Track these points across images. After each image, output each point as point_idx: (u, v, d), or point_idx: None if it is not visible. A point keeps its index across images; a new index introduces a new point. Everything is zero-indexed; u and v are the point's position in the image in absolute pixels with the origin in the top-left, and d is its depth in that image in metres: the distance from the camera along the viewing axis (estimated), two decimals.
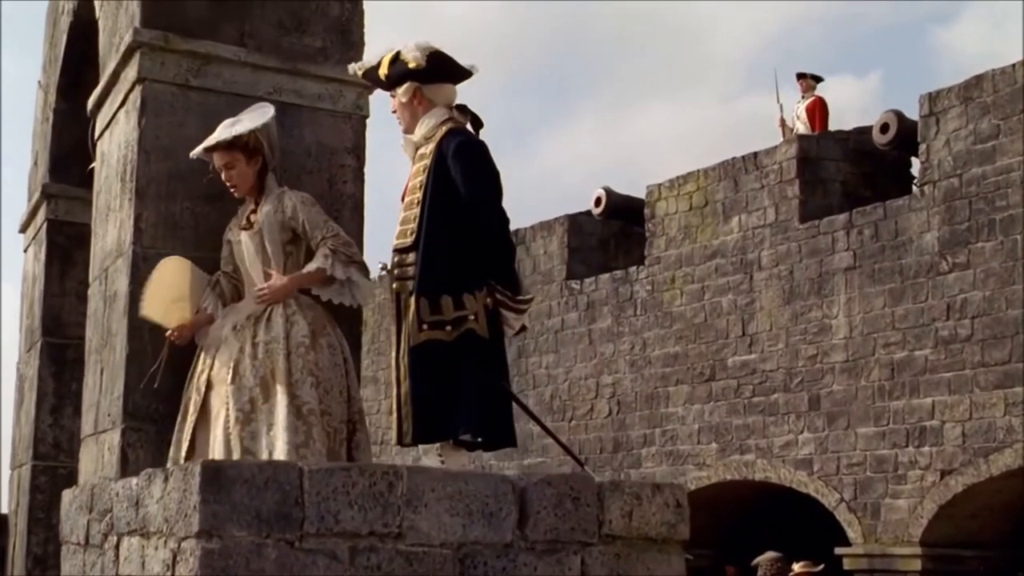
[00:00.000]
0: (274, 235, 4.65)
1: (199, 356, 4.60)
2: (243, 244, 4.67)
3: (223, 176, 4.70)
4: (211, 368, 4.51)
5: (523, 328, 4.39)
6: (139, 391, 4.70)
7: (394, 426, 4.19)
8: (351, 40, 5.38)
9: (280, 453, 4.25)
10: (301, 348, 4.49)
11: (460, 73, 4.44)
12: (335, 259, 4.58)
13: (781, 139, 15.13)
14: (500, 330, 4.26)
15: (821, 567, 11.35)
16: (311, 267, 4.59)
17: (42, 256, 6.90)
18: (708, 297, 14.29)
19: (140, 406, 4.70)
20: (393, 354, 4.28)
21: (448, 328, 4.14)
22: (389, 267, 4.36)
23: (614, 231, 16.66)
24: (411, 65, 4.35)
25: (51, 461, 6.60)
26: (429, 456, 4.25)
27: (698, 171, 14.81)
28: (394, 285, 4.30)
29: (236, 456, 4.29)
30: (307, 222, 4.66)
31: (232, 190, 4.72)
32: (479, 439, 4.23)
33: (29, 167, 7.55)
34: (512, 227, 16.91)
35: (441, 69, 4.39)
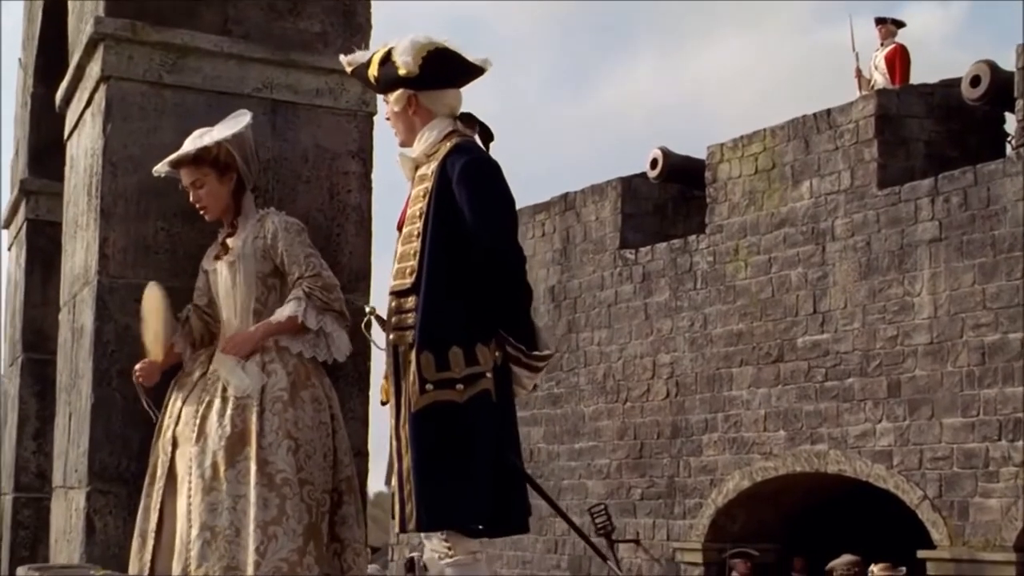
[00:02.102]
0: (251, 265, 4.13)
1: (167, 408, 4.12)
2: (219, 274, 4.16)
3: (191, 196, 4.19)
4: (177, 423, 4.03)
5: (535, 387, 3.85)
6: (107, 447, 4.24)
7: (396, 509, 3.67)
8: (355, 23, 4.82)
9: (248, 532, 3.78)
10: (278, 404, 4.00)
11: (466, 73, 3.85)
12: (308, 304, 4.08)
13: (857, 93, 14.40)
14: (509, 390, 3.71)
15: (903, 571, 10.81)
16: (281, 314, 4.08)
17: (23, 260, 6.46)
18: (775, 270, 13.66)
19: (108, 465, 4.23)
20: (392, 421, 3.75)
21: (459, 387, 3.59)
22: (386, 313, 3.80)
23: (672, 195, 16.04)
24: (401, 72, 3.78)
25: (35, 492, 6.19)
26: (432, 541, 3.73)
27: (764, 130, 14.13)
28: (390, 336, 3.74)
29: (195, 532, 3.82)
30: (286, 254, 4.14)
31: (201, 212, 4.20)
32: (492, 527, 3.71)
33: (11, 156, 7.10)
34: (562, 190, 15.89)
35: (441, 72, 3.80)
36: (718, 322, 14.23)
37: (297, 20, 4.73)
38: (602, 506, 14.75)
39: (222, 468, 3.91)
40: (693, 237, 14.77)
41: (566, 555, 15.77)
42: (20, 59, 6.94)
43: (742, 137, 14.35)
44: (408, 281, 3.71)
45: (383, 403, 3.81)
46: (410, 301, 3.69)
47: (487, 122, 3.88)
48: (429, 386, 3.59)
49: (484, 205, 3.66)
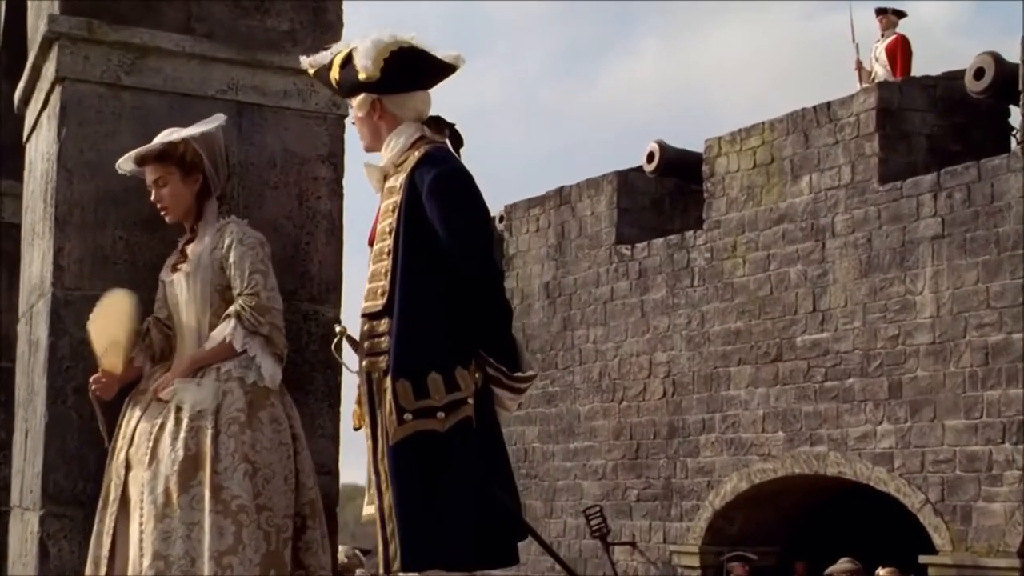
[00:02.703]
0: (208, 276, 3.95)
1: (120, 427, 3.96)
2: (176, 285, 3.99)
3: (152, 195, 4.03)
4: (131, 444, 3.87)
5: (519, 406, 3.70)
6: (62, 468, 4.07)
7: (379, 547, 3.51)
8: (326, 20, 4.65)
9: (203, 561, 3.62)
10: (234, 426, 3.81)
11: (435, 73, 3.67)
12: (238, 325, 3.88)
13: (858, 85, 14.24)
14: (492, 413, 3.54)
15: None
16: (215, 337, 3.90)
17: None
18: (774, 267, 13.51)
19: (63, 488, 4.07)
20: (369, 455, 3.58)
21: (440, 415, 3.42)
22: (358, 335, 3.63)
23: (669, 190, 15.90)
24: (361, 77, 3.60)
25: (1, 506, 6.03)
26: None
27: (763, 123, 13.97)
28: (363, 362, 3.57)
29: (147, 562, 3.66)
30: (233, 267, 3.94)
31: (162, 213, 4.04)
32: (481, 562, 3.54)
33: None
34: (557, 184, 15.75)
35: (406, 74, 3.61)
36: (716, 320, 14.09)
37: (264, 18, 4.56)
38: (597, 508, 14.62)
39: (175, 494, 3.73)
40: (690, 233, 14.62)
41: (562, 556, 15.61)
42: None
43: (740, 131, 14.19)
44: (380, 303, 3.54)
45: (355, 428, 3.66)
46: (383, 324, 3.52)
47: (457, 124, 3.71)
48: (408, 416, 3.42)
49: (456, 221, 3.49)
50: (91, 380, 3.97)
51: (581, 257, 16.00)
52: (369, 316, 3.57)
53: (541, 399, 16.24)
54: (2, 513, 6.00)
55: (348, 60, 3.62)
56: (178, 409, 3.83)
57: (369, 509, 3.56)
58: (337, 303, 4.51)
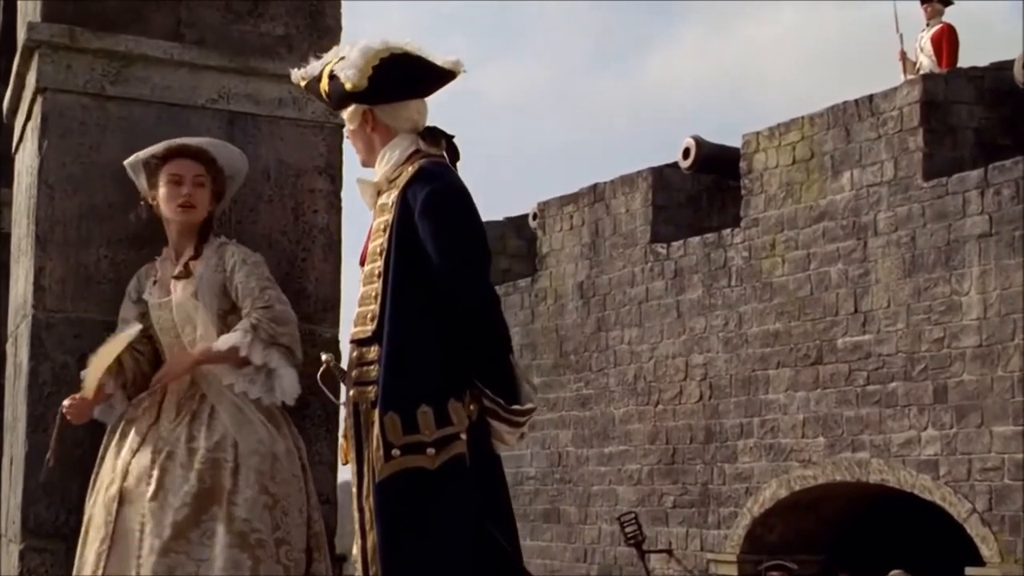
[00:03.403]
0: (210, 298, 3.84)
1: (103, 458, 3.81)
2: (173, 302, 3.83)
3: (184, 191, 3.86)
4: (124, 477, 3.72)
5: (522, 437, 3.50)
6: (43, 500, 3.94)
7: None
8: (323, 24, 4.49)
9: None
10: (254, 457, 3.72)
11: (431, 80, 3.49)
12: (255, 336, 3.77)
13: (902, 77, 13.92)
14: (489, 448, 3.35)
15: None
16: (223, 343, 3.77)
17: None
18: (814, 266, 13.23)
19: (45, 520, 3.94)
20: (354, 490, 3.40)
21: (430, 451, 3.24)
22: (347, 363, 3.46)
23: (705, 186, 15.64)
24: (347, 87, 3.43)
25: None
26: None
27: (802, 118, 13.69)
28: (351, 392, 3.40)
29: None
30: (241, 286, 3.84)
31: (183, 211, 3.88)
32: None
33: None
34: (591, 179, 15.28)
35: (399, 82, 3.43)
36: (754, 321, 13.83)
37: (258, 22, 4.41)
38: (632, 514, 14.43)
39: (186, 528, 3.62)
40: (727, 231, 14.37)
41: (596, 564, 15.45)
42: None
43: (779, 125, 13.92)
44: (369, 328, 3.37)
45: (343, 463, 3.49)
46: (372, 352, 3.34)
47: (454, 134, 3.53)
48: (395, 451, 3.24)
49: (449, 243, 3.31)
50: (64, 404, 3.82)
51: (615, 256, 15.78)
52: (358, 342, 3.40)
53: (575, 402, 16.05)
54: None
55: (331, 75, 3.45)
56: (190, 439, 3.71)
57: (354, 550, 3.40)
58: (335, 322, 4.36)
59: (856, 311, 12.78)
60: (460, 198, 3.39)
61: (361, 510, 3.32)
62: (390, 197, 3.41)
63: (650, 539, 14.50)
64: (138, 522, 3.66)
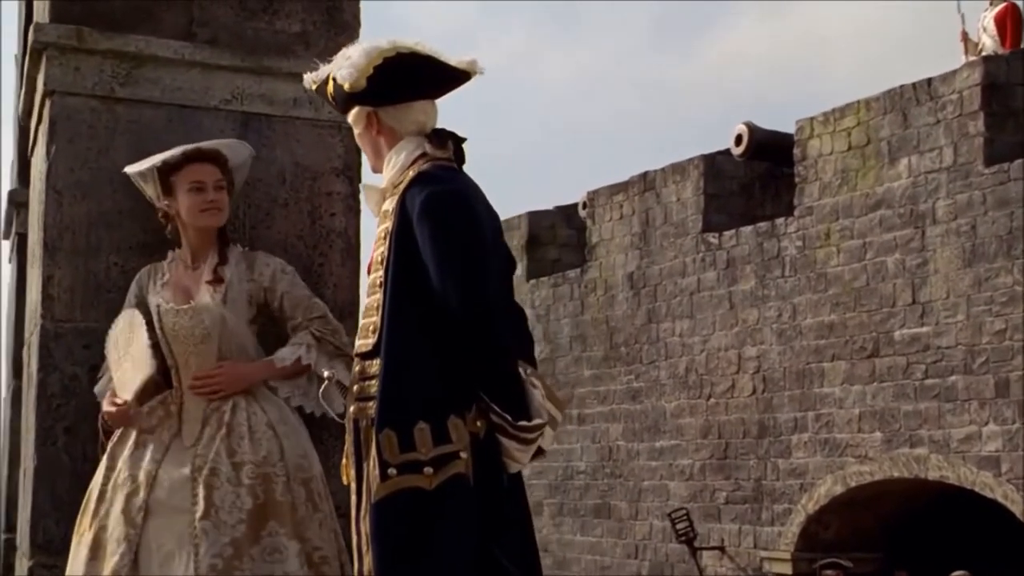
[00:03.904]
0: (241, 305, 3.78)
1: (111, 467, 3.71)
2: (199, 306, 3.74)
3: (208, 196, 3.79)
4: (150, 490, 3.63)
5: (540, 453, 3.36)
6: (52, 515, 3.88)
7: None
8: (340, 21, 4.39)
9: None
10: (300, 472, 3.67)
11: (441, 81, 3.37)
12: (319, 350, 3.76)
13: (963, 59, 13.60)
14: (496, 468, 3.22)
15: None
16: (286, 356, 3.72)
17: (13, 278, 6.16)
18: (870, 256, 12.98)
19: (54, 536, 3.87)
20: (352, 512, 3.30)
21: (427, 470, 3.12)
22: (350, 379, 3.36)
23: (758, 174, 15.40)
24: (345, 88, 3.32)
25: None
26: None
27: (858, 102, 13.43)
28: (351, 408, 3.30)
29: None
30: (287, 297, 3.81)
31: (210, 215, 3.80)
32: None
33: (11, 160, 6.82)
34: (641, 169, 15.08)
35: (402, 82, 3.31)
36: (808, 313, 13.60)
37: (273, 19, 4.31)
38: (683, 511, 14.28)
39: (246, 545, 3.56)
40: (781, 220, 14.13)
41: (647, 561, 15.31)
42: (16, 56, 6.64)
43: (834, 110, 13.66)
44: (371, 341, 3.24)
45: (345, 483, 3.39)
46: (374, 365, 3.22)
47: (465, 137, 3.40)
48: (392, 470, 3.11)
49: (444, 250, 3.17)
50: (111, 411, 3.72)
51: (666, 246, 15.60)
52: (361, 356, 3.29)
53: (626, 395, 15.90)
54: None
55: (333, 79, 3.35)
56: (231, 453, 3.64)
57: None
58: (354, 329, 4.24)
59: (914, 302, 12.52)
60: (457, 201, 3.25)
61: (358, 533, 3.22)
62: (392, 203, 3.29)
63: (702, 536, 14.34)
64: (180, 540, 3.58)
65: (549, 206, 18.64)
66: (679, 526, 14.08)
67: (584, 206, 17.39)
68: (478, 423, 3.16)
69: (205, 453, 3.65)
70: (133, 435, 3.74)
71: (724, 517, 14.37)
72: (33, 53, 4.09)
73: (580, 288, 16.98)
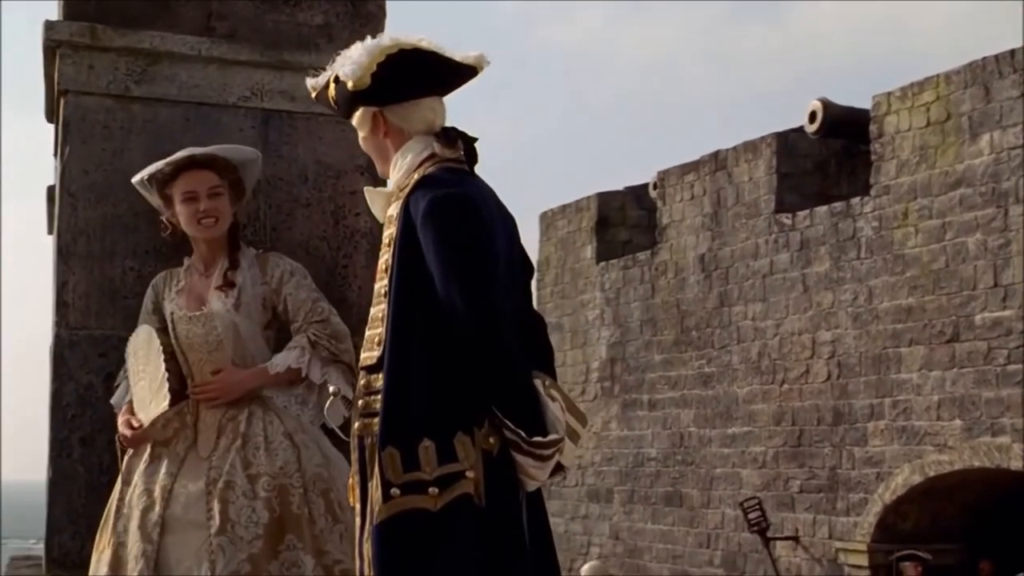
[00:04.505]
0: (253, 310, 3.67)
1: (127, 481, 3.63)
2: (212, 315, 3.65)
3: (201, 206, 3.66)
4: (166, 504, 3.55)
5: (560, 470, 3.20)
6: (68, 528, 3.81)
7: None
8: (365, 11, 4.26)
9: None
10: (320, 483, 3.58)
11: (448, 76, 3.22)
12: (314, 355, 3.64)
13: None
14: (511, 487, 3.07)
15: None
16: (279, 362, 3.62)
17: None
18: (950, 236, 12.62)
19: (70, 550, 3.80)
20: (356, 533, 3.17)
21: (432, 491, 2.98)
22: (352, 394, 3.24)
23: (833, 152, 15.05)
24: (349, 86, 3.17)
25: None
26: None
27: (937, 76, 13.04)
28: (356, 425, 3.17)
29: None
30: (290, 299, 3.69)
31: (206, 225, 3.68)
32: None
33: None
34: (713, 148, 14.85)
35: (408, 79, 3.17)
36: (885, 296, 13.27)
37: (295, 11, 4.19)
38: (756, 500, 14.05)
39: (263, 561, 3.48)
40: (857, 200, 13.80)
41: (720, 550, 15.10)
42: None
43: (912, 85, 13.28)
44: (376, 354, 3.10)
45: (352, 504, 3.26)
46: (379, 379, 3.08)
47: (476, 137, 3.25)
48: (395, 490, 2.97)
49: (449, 257, 3.02)
50: (125, 434, 3.65)
51: (738, 227, 15.32)
52: (366, 369, 3.15)
53: (697, 380, 15.68)
54: None
55: (336, 79, 3.21)
56: (246, 465, 3.55)
57: None
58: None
59: (996, 284, 12.15)
60: (462, 205, 3.09)
61: (361, 556, 3.09)
62: (396, 208, 3.16)
63: (775, 525, 14.10)
64: (195, 555, 3.50)
65: (619, 186, 18.44)
66: (751, 516, 13.86)
67: (655, 186, 17.16)
68: (491, 440, 3.01)
69: (220, 465, 3.56)
70: (149, 448, 3.66)
71: (798, 506, 14.11)
72: (47, 51, 4.01)
73: (650, 271, 16.76)
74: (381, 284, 3.15)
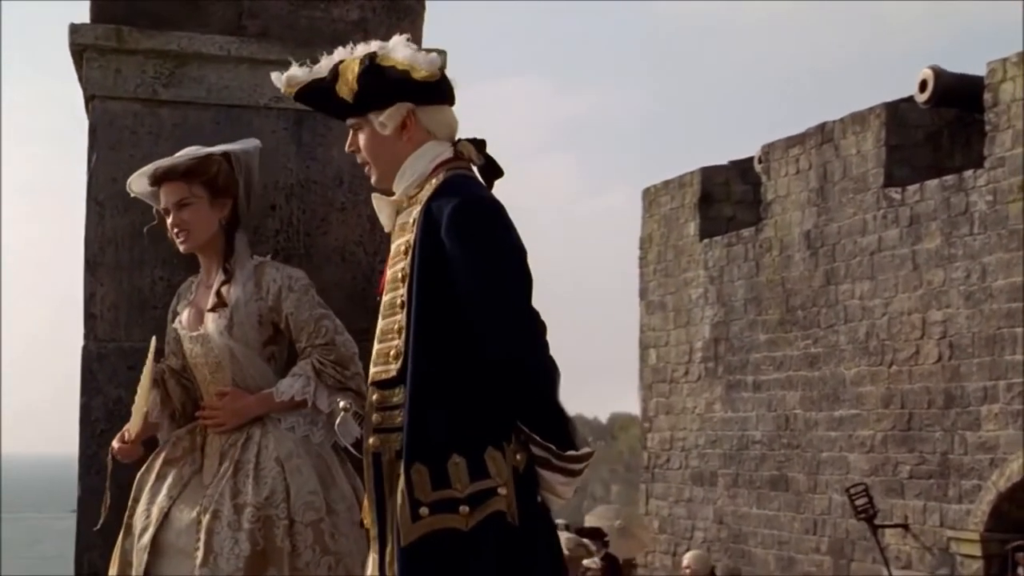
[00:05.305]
0: (248, 329, 3.54)
1: (136, 499, 3.58)
2: (207, 335, 3.56)
3: (169, 220, 3.58)
4: (160, 528, 3.49)
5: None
6: (97, 547, 3.76)
7: None
8: (402, 5, 4.12)
9: None
10: (310, 512, 3.46)
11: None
12: (319, 383, 3.52)
13: None
14: (536, 505, 2.94)
15: None
16: (285, 391, 3.50)
17: None
18: None
19: (100, 569, 3.75)
20: (374, 555, 3.04)
21: (463, 509, 2.86)
22: (364, 408, 3.10)
23: (946, 122, 14.51)
24: (419, 76, 3.02)
25: None
26: None
27: None
28: (371, 440, 3.04)
29: None
30: (291, 318, 3.55)
31: (179, 240, 3.58)
32: None
33: None
34: (819, 120, 14.53)
35: (447, 82, 3.08)
36: (999, 273, 12.77)
37: (330, 6, 4.07)
38: (862, 486, 13.68)
39: None
40: (969, 173, 13.28)
41: (827, 537, 14.76)
42: None
43: None
44: (393, 368, 2.98)
45: (362, 526, 3.14)
46: (397, 394, 2.97)
47: (491, 157, 3.10)
48: (423, 510, 2.86)
49: (483, 267, 2.90)
50: (113, 445, 3.62)
51: (845, 202, 14.89)
52: (379, 384, 3.02)
53: (802, 361, 15.31)
54: None
55: (373, 67, 3.02)
56: (235, 494, 3.45)
57: None
58: None
59: None
60: (494, 213, 2.96)
61: None
62: (411, 215, 3.02)
63: (884, 512, 13.72)
64: None
65: (723, 160, 18.08)
66: (858, 502, 13.51)
67: (759, 160, 16.77)
68: (518, 456, 2.90)
69: (212, 493, 3.49)
70: (157, 465, 3.61)
71: (908, 493, 13.71)
72: (74, 56, 3.94)
73: (755, 248, 16.40)
74: (396, 294, 3.01)
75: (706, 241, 17.42)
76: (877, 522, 13.56)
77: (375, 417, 3.01)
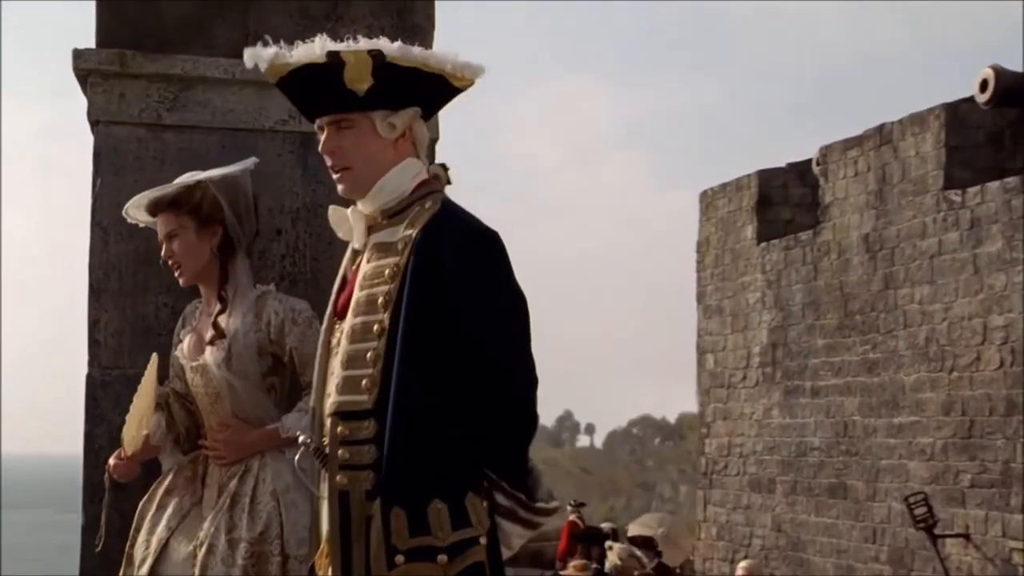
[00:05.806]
0: (247, 360, 3.49)
1: (138, 528, 3.56)
2: (207, 366, 3.52)
3: (163, 251, 3.58)
4: (157, 560, 3.47)
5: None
6: (102, 573, 3.74)
7: None
8: (411, 23, 4.08)
9: None
10: (304, 547, 3.38)
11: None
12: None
13: None
14: (499, 556, 2.85)
15: None
16: (290, 427, 3.43)
17: None
18: None
19: None
20: None
21: (442, 558, 2.77)
22: (328, 442, 2.96)
23: (1008, 123, 14.19)
24: (459, 82, 2.94)
25: None
26: None
27: None
28: (337, 478, 2.94)
29: None
30: (296, 352, 3.50)
31: (176, 273, 3.58)
32: None
33: None
34: (878, 121, 14.18)
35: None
36: None
37: (337, 26, 4.02)
38: (921, 495, 13.43)
39: None
40: None
41: (886, 546, 14.51)
42: None
43: None
44: (364, 399, 2.86)
45: (320, 573, 2.99)
46: (367, 427, 2.85)
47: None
48: (399, 557, 2.77)
49: (502, 305, 2.82)
50: (110, 463, 3.60)
51: (904, 205, 14.62)
52: (345, 415, 2.90)
53: (861, 367, 15.07)
54: None
55: (388, 65, 2.91)
56: (230, 528, 3.41)
57: None
58: None
59: None
60: (503, 250, 2.89)
61: None
62: (396, 234, 2.91)
63: (944, 522, 13.45)
64: None
65: (781, 163, 17.85)
66: (916, 512, 13.25)
67: (817, 163, 16.53)
68: (484, 503, 2.82)
69: (208, 527, 3.46)
70: (159, 495, 3.59)
71: (969, 502, 13.43)
72: (78, 80, 3.93)
73: (812, 251, 16.17)
74: (371, 319, 2.87)
75: (763, 244, 17.21)
76: (937, 532, 13.30)
77: (341, 452, 2.88)
